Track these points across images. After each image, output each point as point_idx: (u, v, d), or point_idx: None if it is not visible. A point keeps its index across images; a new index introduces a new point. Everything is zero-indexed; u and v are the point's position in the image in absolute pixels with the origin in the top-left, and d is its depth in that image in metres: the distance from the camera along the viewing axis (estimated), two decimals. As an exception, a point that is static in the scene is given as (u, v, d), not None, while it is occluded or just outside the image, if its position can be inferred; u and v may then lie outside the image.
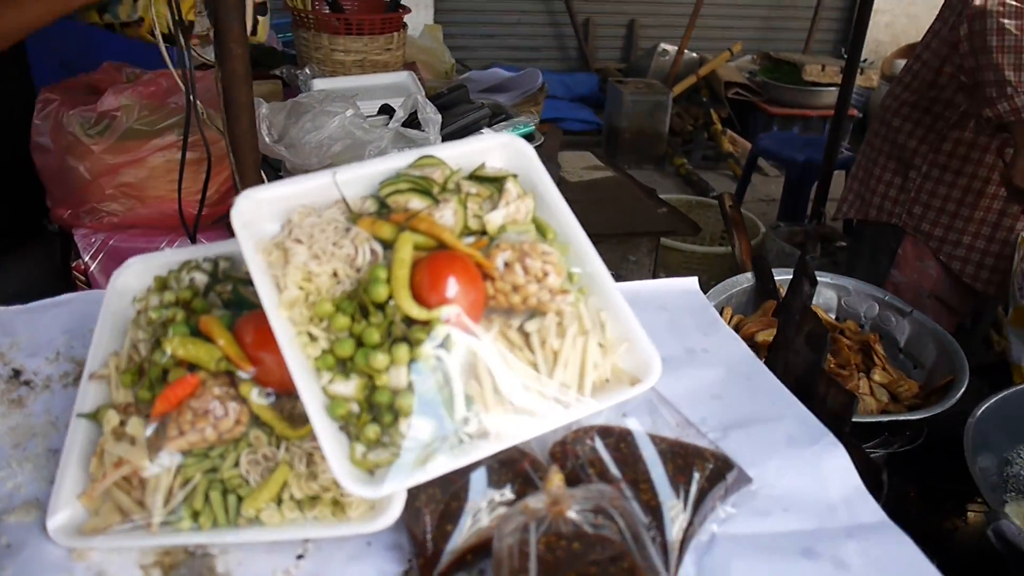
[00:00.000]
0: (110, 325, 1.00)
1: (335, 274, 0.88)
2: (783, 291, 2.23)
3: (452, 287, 0.86)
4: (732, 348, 1.34)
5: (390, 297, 0.86)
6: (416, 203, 0.93)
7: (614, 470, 0.94)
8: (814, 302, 2.24)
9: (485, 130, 2.12)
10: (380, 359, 0.83)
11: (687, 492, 0.94)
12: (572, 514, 0.83)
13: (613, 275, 2.56)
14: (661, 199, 2.76)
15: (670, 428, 1.01)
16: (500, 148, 1.07)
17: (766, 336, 2.06)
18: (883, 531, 1.01)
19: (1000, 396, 1.73)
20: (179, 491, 0.85)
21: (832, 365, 2.05)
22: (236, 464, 0.87)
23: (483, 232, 0.96)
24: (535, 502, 0.84)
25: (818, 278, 2.24)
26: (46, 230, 1.96)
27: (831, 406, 1.33)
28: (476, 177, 1.01)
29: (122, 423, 0.88)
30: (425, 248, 0.90)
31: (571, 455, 0.97)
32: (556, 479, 0.87)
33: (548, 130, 3.12)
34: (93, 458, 0.88)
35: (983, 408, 1.70)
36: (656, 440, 0.98)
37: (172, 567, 0.86)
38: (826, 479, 1.07)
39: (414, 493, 0.88)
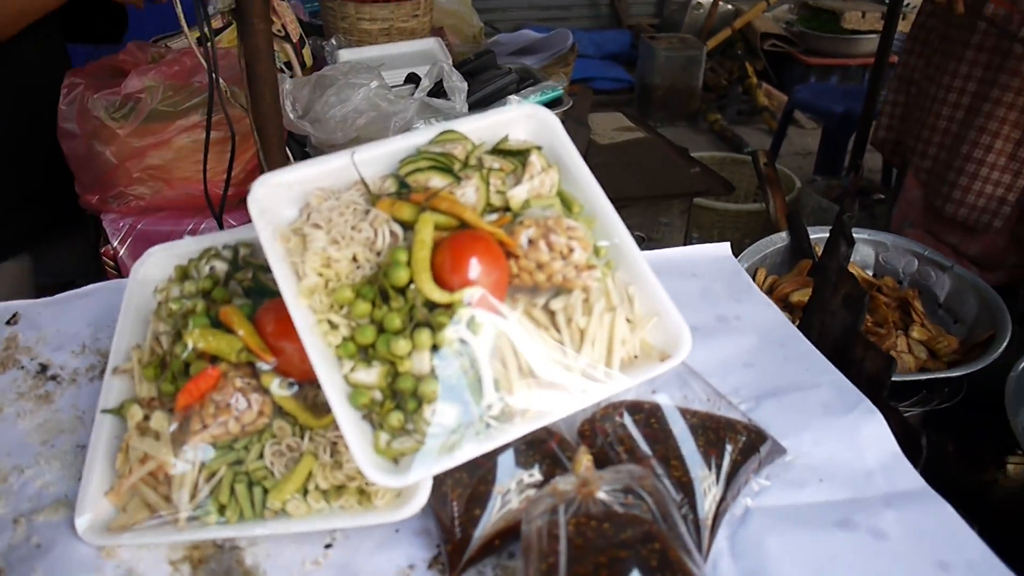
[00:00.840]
0: (132, 317, 1.00)
1: (355, 259, 0.87)
2: (819, 249, 2.18)
3: (475, 268, 0.85)
4: (765, 314, 1.31)
5: (411, 281, 0.85)
6: (437, 181, 0.91)
7: (644, 447, 0.92)
8: (852, 259, 2.19)
9: (513, 96, 2.08)
10: (402, 345, 0.82)
11: (719, 466, 0.93)
12: (602, 495, 0.82)
13: (645, 238, 2.52)
14: (693, 158, 2.71)
15: (701, 401, 0.99)
16: (524, 119, 1.05)
17: (801, 297, 2.02)
18: (922, 498, 0.99)
19: (1044, 349, 1.67)
20: (205, 485, 0.85)
21: (869, 323, 2.01)
22: (260, 456, 0.87)
23: (507, 208, 0.94)
24: (564, 484, 0.83)
25: (855, 234, 2.19)
26: (84, 215, 1.97)
27: (869, 370, 1.30)
28: (499, 151, 0.99)
29: (146, 418, 0.88)
30: (447, 228, 0.89)
31: (600, 433, 0.96)
32: (584, 460, 0.86)
33: (578, 91, 3.07)
34: (119, 454, 0.89)
35: None
36: (687, 414, 0.96)
37: (201, 561, 0.86)
38: (863, 447, 1.05)
39: (441, 478, 0.87)
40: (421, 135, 0.96)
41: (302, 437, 0.87)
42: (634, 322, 0.93)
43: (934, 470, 1.50)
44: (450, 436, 0.83)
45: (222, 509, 0.86)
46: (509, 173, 0.96)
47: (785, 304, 2.05)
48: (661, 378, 0.98)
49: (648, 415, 0.96)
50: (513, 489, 0.89)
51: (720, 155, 4.49)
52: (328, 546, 0.89)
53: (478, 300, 0.84)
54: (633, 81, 5.58)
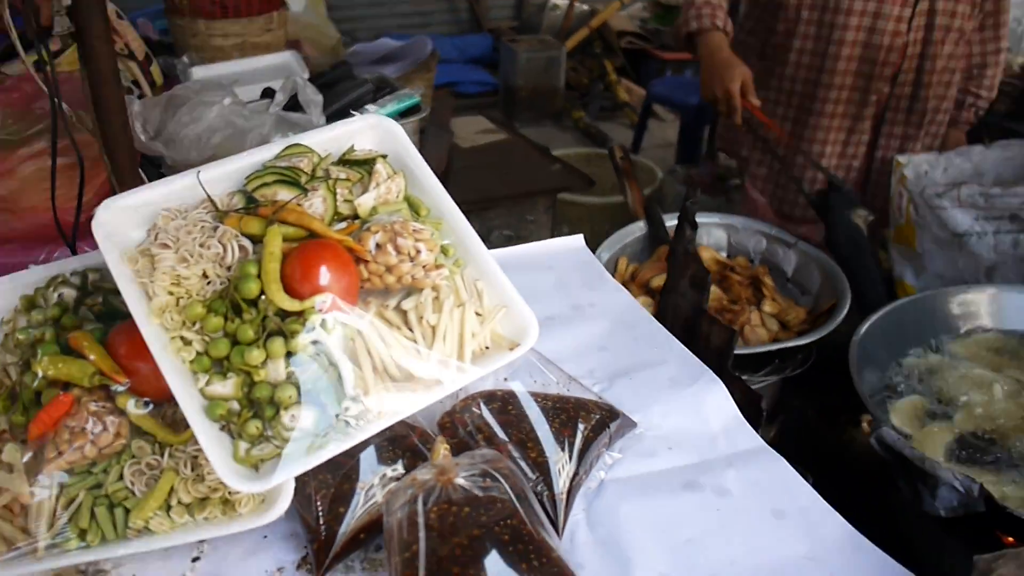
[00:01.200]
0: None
1: (205, 275, 0.89)
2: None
3: (324, 275, 0.88)
4: (617, 300, 1.39)
5: (262, 292, 0.87)
6: (284, 194, 0.94)
7: (501, 433, 0.98)
8: (706, 242, 2.32)
9: (370, 106, 2.11)
10: (255, 355, 0.84)
11: (572, 444, 0.99)
12: (460, 480, 0.87)
13: (514, 236, 2.58)
14: (554, 156, 2.80)
15: (554, 385, 1.05)
16: (369, 129, 1.09)
17: (659, 281, 2.13)
18: (760, 456, 1.08)
19: (881, 313, 1.83)
20: (63, 512, 0.85)
21: (725, 302, 2.14)
22: (120, 477, 0.87)
23: (355, 216, 0.98)
24: (423, 474, 0.87)
25: (707, 219, 2.33)
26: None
27: (714, 343, 1.40)
28: (346, 161, 1.02)
29: (-2, 451, 0.87)
30: (296, 239, 0.91)
31: (459, 424, 1.00)
32: (442, 449, 0.90)
33: (440, 96, 3.12)
34: (-29, 490, 0.87)
35: (866, 326, 1.81)
36: (539, 399, 1.02)
37: (65, 588, 0.86)
38: (707, 415, 1.14)
39: (304, 480, 0.90)
40: (267, 151, 0.99)
41: (162, 454, 0.88)
42: (483, 315, 0.98)
43: (796, 433, 1.61)
44: (309, 438, 0.86)
45: (83, 534, 0.86)
46: (356, 182, 1.00)
47: (647, 289, 2.16)
48: (515, 367, 1.04)
49: (503, 403, 1.01)
50: (376, 484, 0.92)
51: (585, 151, 4.63)
52: (196, 559, 0.91)
53: (329, 305, 0.87)
54: (497, 84, 5.67)
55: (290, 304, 0.86)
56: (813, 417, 2.28)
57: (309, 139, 1.04)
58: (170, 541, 0.86)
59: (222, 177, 0.96)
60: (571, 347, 1.25)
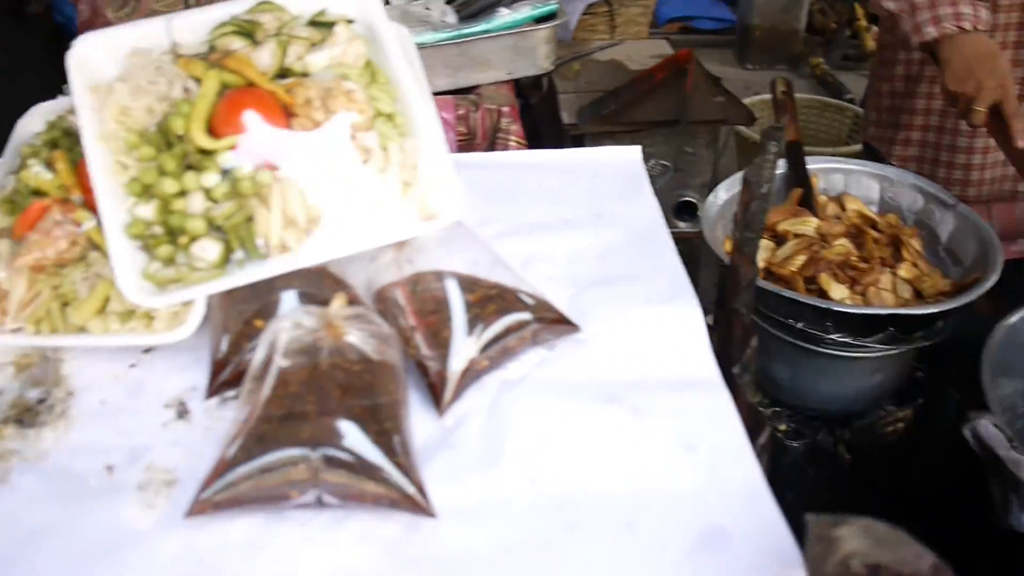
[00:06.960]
0: (6, 162, 1.14)
1: (150, 110, 0.97)
2: (816, 179, 2.11)
3: (247, 119, 0.93)
4: (643, 213, 1.31)
5: (190, 130, 0.94)
6: (237, 44, 1.00)
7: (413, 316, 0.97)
8: (855, 192, 2.10)
9: (503, 9, 2.10)
10: (168, 185, 0.92)
11: (485, 329, 0.97)
12: (351, 339, 0.89)
13: (669, 167, 2.51)
14: (724, 88, 2.64)
15: (484, 269, 1.02)
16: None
17: (787, 227, 1.97)
18: (705, 386, 1.00)
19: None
20: (32, 303, 0.98)
21: (854, 258, 1.93)
22: (74, 282, 0.99)
23: (306, 74, 1.01)
24: (310, 320, 0.90)
25: (853, 165, 2.10)
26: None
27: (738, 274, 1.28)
28: (313, 23, 1.05)
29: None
30: (236, 86, 0.97)
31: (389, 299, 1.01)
32: (339, 302, 0.92)
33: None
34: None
35: (1015, 318, 1.62)
36: (467, 281, 1.00)
37: (26, 367, 1.00)
38: (667, 334, 1.06)
39: (223, 309, 0.97)
40: (239, 5, 1.04)
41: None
42: (412, 184, 0.98)
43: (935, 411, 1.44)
44: (214, 269, 0.92)
45: (38, 323, 0.99)
46: (318, 42, 1.03)
47: (771, 233, 2.00)
48: (454, 246, 1.03)
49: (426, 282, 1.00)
50: (286, 327, 0.96)
51: (818, 99, 4.28)
52: (132, 366, 1.01)
53: (247, 147, 0.92)
54: (735, 21, 5.37)
55: (205, 142, 0.92)
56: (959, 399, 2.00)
57: (286, -1, 1.07)
58: (101, 342, 0.97)
59: (194, 26, 1.03)
60: (568, 250, 1.21)
